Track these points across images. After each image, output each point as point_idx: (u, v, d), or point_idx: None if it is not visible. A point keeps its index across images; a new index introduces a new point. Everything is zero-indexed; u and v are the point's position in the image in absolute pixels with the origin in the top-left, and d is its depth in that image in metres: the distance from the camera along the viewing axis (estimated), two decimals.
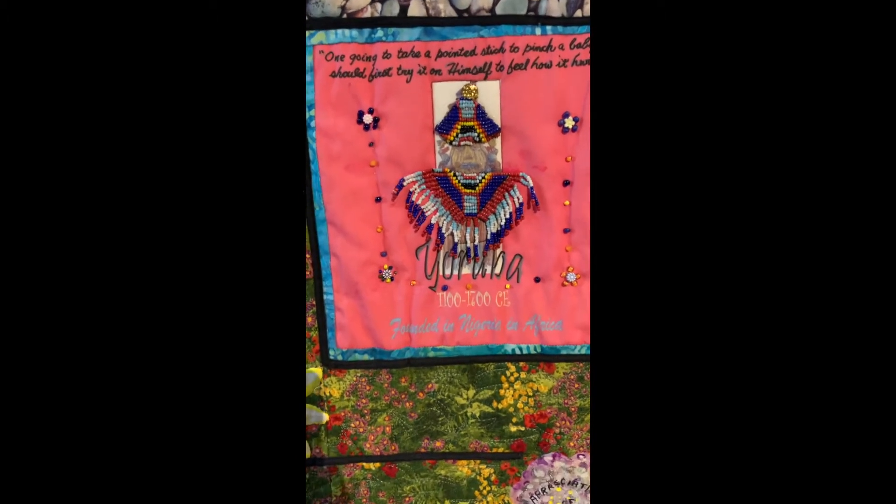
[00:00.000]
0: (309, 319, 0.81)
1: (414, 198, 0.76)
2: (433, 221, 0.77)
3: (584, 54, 0.70)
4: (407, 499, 0.85)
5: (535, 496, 0.83)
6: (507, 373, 0.82)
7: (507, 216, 0.76)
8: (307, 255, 0.79)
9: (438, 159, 0.76)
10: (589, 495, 0.80)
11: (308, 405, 0.82)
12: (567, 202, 0.76)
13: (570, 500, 0.83)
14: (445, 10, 0.69)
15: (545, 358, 0.81)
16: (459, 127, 0.74)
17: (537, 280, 0.79)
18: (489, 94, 0.73)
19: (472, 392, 0.82)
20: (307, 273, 0.80)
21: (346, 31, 0.71)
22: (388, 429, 0.83)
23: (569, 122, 0.73)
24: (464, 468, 0.84)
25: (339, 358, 0.81)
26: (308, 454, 0.84)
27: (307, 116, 0.74)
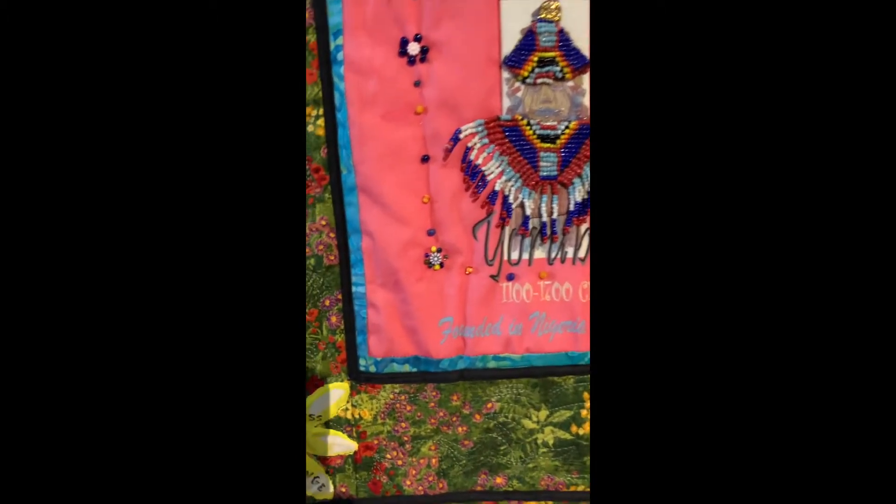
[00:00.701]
0: (333, 319, 0.69)
1: (473, 156, 0.62)
2: (497, 188, 0.63)
3: None
4: None
5: None
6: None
7: None
8: (331, 235, 0.66)
9: (506, 103, 0.61)
10: None
11: (330, 431, 0.73)
12: None
13: None
14: None
15: None
16: (536, 59, 0.59)
17: None
18: (576, 15, 0.59)
19: (544, 413, 0.71)
20: (331, 258, 0.66)
21: None
22: (434, 461, 0.74)
23: None
24: None
25: (373, 369, 0.70)
26: (330, 495, 0.75)
27: (332, 47, 0.60)
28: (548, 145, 0.61)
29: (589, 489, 0.72)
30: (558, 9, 0.58)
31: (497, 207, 0.63)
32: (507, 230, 0.64)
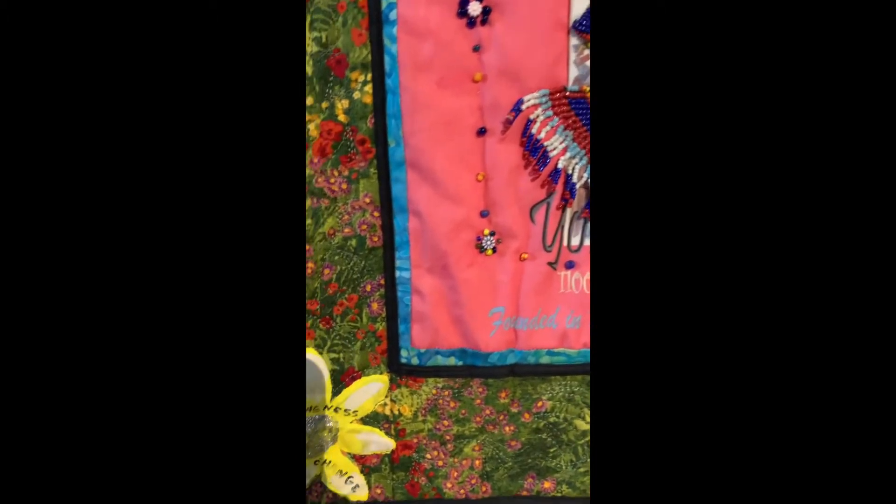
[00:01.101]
0: (374, 306, 0.65)
1: (535, 129, 0.58)
2: (560, 165, 0.59)
3: None
4: None
5: None
6: None
7: None
8: (375, 214, 0.62)
9: (574, 72, 0.57)
10: None
11: (366, 428, 0.70)
12: None
13: None
14: None
15: None
16: None
17: None
18: None
19: None
20: (374, 239, 0.62)
21: None
22: (477, 462, 0.72)
23: None
24: None
25: (415, 361, 0.67)
26: (365, 495, 0.72)
27: (384, 5, 0.56)
28: None
29: None
30: None
31: (559, 187, 0.59)
32: (569, 213, 0.60)
